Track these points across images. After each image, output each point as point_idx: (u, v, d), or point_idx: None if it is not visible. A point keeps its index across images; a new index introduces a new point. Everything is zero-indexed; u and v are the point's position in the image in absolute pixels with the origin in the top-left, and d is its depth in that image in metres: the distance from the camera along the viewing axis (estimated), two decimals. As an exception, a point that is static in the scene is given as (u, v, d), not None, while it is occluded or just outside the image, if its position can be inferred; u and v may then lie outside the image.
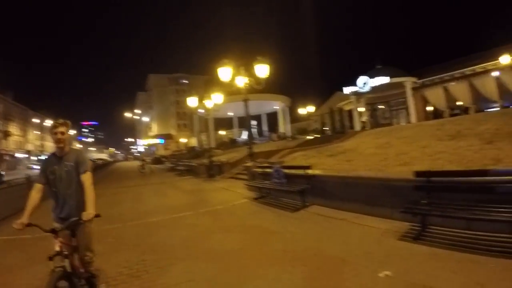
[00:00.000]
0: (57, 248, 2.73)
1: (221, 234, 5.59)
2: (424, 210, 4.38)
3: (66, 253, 2.77)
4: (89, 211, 2.88)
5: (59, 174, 3.06)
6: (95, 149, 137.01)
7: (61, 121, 3.06)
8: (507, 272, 3.01)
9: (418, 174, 4.87)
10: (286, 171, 8.25)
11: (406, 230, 4.55)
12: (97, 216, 2.91)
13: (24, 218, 2.77)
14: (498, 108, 22.96)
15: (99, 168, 28.05)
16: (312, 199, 7.14)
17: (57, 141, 3.04)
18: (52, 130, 3.01)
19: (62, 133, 3.04)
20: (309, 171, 7.46)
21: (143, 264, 4.40)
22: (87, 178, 3.10)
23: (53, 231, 2.80)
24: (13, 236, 6.41)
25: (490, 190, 4.05)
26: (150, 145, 77.13)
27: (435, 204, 4.41)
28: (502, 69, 22.94)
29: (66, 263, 2.72)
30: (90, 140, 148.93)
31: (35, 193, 2.99)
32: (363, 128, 27.69)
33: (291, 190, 7.45)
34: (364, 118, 30.32)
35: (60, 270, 2.63)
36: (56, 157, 3.11)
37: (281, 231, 5.46)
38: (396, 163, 7.88)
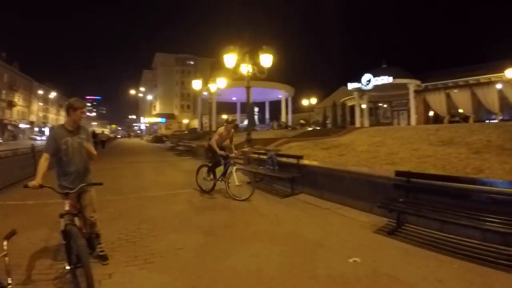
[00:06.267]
0: (67, 208, 3.17)
1: (212, 212, 6.04)
2: (400, 207, 4.60)
3: (75, 212, 3.24)
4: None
5: (72, 144, 3.46)
6: (97, 123, 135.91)
7: (87, 103, 3.65)
8: (467, 273, 3.23)
9: (398, 173, 5.14)
10: (280, 159, 8.63)
11: (382, 225, 4.88)
12: (100, 184, 3.43)
13: (38, 180, 3.12)
14: (496, 120, 23.22)
15: (100, 143, 27.68)
16: (302, 188, 7.55)
17: (79, 119, 3.52)
18: (81, 110, 3.49)
19: (85, 113, 3.61)
20: (301, 161, 7.85)
21: (139, 232, 4.83)
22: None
23: (65, 194, 3.25)
24: (19, 201, 6.82)
25: (464, 196, 4.23)
26: (152, 124, 77.44)
27: (411, 203, 4.64)
28: (507, 81, 23.06)
29: (76, 220, 3.16)
30: (93, 114, 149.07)
31: (44, 161, 3.34)
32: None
33: (282, 177, 7.84)
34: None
35: (71, 225, 3.04)
36: (67, 130, 3.48)
37: (267, 214, 5.89)
38: (384, 161, 8.20)
